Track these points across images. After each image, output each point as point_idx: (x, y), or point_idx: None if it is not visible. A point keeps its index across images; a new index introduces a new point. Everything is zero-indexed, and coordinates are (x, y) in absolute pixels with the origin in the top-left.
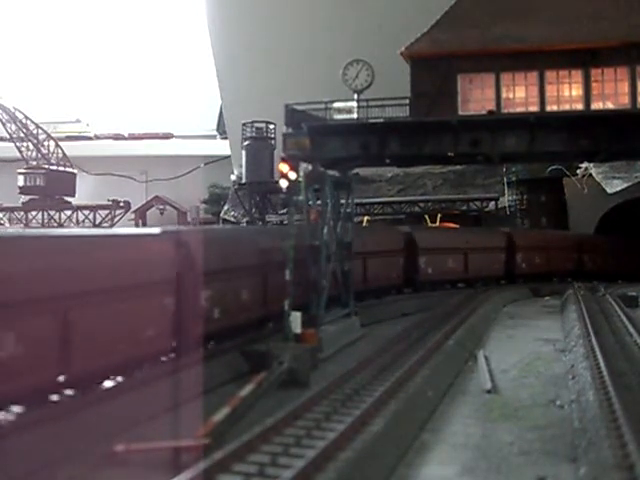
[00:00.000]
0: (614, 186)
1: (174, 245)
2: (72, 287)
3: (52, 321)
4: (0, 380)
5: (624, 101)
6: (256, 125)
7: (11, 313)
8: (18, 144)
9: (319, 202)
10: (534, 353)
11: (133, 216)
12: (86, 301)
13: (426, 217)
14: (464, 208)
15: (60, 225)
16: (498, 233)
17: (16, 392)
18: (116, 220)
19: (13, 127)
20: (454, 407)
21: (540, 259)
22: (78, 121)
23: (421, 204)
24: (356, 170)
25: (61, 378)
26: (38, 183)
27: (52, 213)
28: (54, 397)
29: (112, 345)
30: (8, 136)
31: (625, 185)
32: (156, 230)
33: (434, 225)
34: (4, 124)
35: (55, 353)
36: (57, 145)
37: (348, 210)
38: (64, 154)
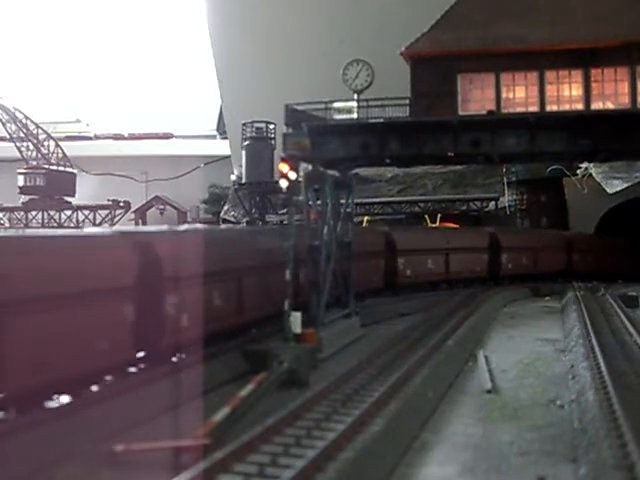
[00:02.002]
0: (614, 186)
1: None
2: (243, 264)
3: (234, 285)
4: (212, 321)
5: (624, 101)
6: (256, 125)
7: (217, 279)
8: (18, 144)
9: (319, 202)
10: (534, 353)
11: (133, 216)
12: (250, 273)
13: (426, 217)
14: (464, 208)
15: (60, 225)
16: (559, 235)
17: (219, 330)
18: (116, 220)
19: (13, 127)
20: (454, 407)
21: (594, 260)
22: (78, 121)
23: (421, 204)
24: (356, 170)
25: (237, 322)
26: (38, 183)
27: (52, 213)
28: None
29: (263, 303)
30: (8, 136)
31: (625, 185)
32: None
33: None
34: (4, 124)
35: (234, 306)
36: (57, 145)
37: (348, 210)
38: (64, 154)
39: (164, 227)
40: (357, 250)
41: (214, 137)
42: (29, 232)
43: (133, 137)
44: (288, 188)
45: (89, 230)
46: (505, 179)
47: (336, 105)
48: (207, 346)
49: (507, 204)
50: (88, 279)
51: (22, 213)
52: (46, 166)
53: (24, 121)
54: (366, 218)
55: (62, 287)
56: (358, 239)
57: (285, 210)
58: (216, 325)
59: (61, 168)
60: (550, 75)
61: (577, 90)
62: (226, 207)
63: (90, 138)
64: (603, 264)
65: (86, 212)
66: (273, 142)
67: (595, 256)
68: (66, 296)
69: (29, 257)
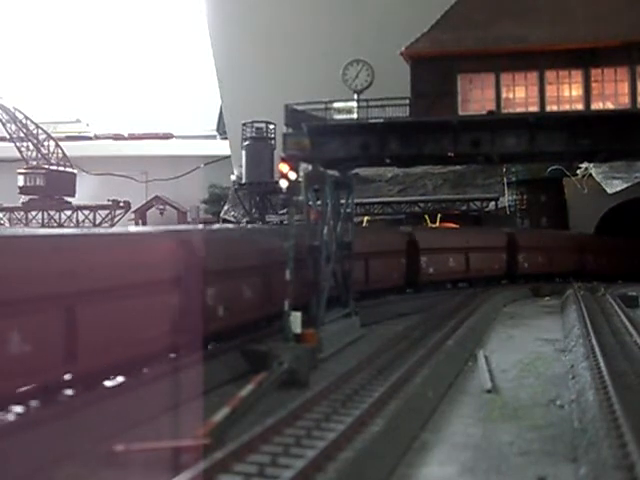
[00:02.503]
0: (614, 186)
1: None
2: (271, 260)
3: (261, 279)
4: (243, 311)
5: (624, 101)
6: (256, 125)
7: (245, 274)
8: (18, 144)
9: (319, 202)
10: (534, 353)
11: (133, 216)
12: (276, 268)
13: (426, 217)
14: (464, 208)
15: (60, 225)
16: (573, 236)
17: (249, 320)
18: (116, 220)
19: (13, 127)
20: (454, 407)
21: (605, 260)
22: (78, 121)
23: (421, 204)
24: (356, 170)
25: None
26: (38, 183)
27: (52, 213)
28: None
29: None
30: (8, 136)
31: (625, 185)
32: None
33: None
34: (4, 124)
35: (263, 298)
36: (57, 145)
37: (348, 210)
38: (64, 154)
39: (200, 227)
40: (379, 249)
41: (214, 137)
42: (92, 231)
43: (133, 137)
44: (288, 188)
45: (140, 229)
46: (505, 179)
47: (336, 105)
48: (238, 336)
49: (507, 204)
50: (145, 272)
51: (22, 213)
52: (46, 166)
53: (24, 121)
54: (366, 218)
55: (125, 279)
56: (379, 239)
57: (285, 210)
58: (247, 315)
59: (61, 168)
60: (550, 75)
61: (577, 90)
62: (226, 207)
63: (90, 138)
64: (613, 264)
65: (86, 212)
66: (273, 142)
67: (606, 257)
68: (127, 287)
69: (98, 253)
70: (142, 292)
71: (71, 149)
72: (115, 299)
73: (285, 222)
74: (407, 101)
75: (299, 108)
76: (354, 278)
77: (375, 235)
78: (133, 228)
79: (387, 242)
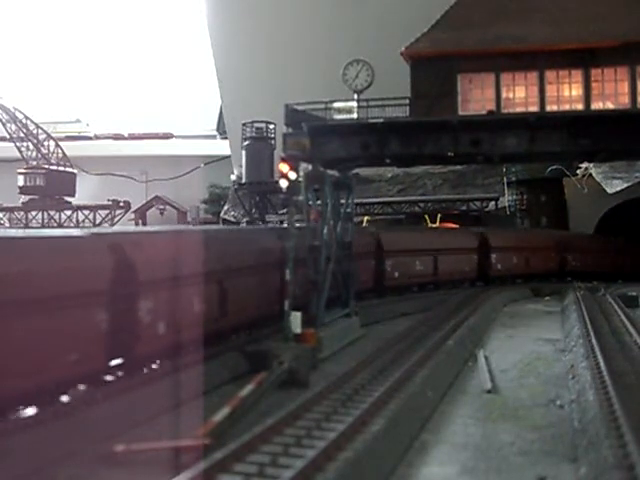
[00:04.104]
0: (614, 186)
1: None
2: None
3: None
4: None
5: (624, 101)
6: (256, 125)
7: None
8: (18, 144)
9: (319, 202)
10: (534, 353)
11: (133, 216)
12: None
13: (426, 217)
14: (464, 208)
15: (60, 225)
16: (614, 240)
17: (331, 297)
18: (116, 220)
19: (13, 127)
20: (454, 407)
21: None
22: (78, 121)
23: (421, 204)
24: (356, 170)
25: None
26: (38, 183)
27: (52, 213)
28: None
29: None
30: (8, 136)
31: (625, 185)
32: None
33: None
34: (4, 124)
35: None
36: (57, 145)
37: (348, 210)
38: (64, 154)
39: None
40: (449, 246)
41: (214, 137)
42: (229, 228)
43: (133, 137)
44: (288, 188)
45: (252, 227)
46: (505, 179)
47: (336, 105)
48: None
49: (507, 204)
50: (262, 257)
51: (22, 213)
52: (46, 166)
53: (24, 121)
54: (366, 218)
55: (251, 262)
56: (450, 238)
57: (285, 210)
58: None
59: (61, 168)
60: (550, 75)
61: (577, 90)
62: (226, 207)
63: (90, 138)
64: (638, 265)
65: (86, 212)
66: (273, 142)
67: (635, 258)
68: (253, 267)
69: (237, 243)
70: (260, 271)
71: (71, 149)
72: (246, 276)
73: (285, 222)
74: (407, 101)
75: (299, 108)
76: (421, 271)
77: (445, 235)
78: (247, 227)
79: (458, 241)
